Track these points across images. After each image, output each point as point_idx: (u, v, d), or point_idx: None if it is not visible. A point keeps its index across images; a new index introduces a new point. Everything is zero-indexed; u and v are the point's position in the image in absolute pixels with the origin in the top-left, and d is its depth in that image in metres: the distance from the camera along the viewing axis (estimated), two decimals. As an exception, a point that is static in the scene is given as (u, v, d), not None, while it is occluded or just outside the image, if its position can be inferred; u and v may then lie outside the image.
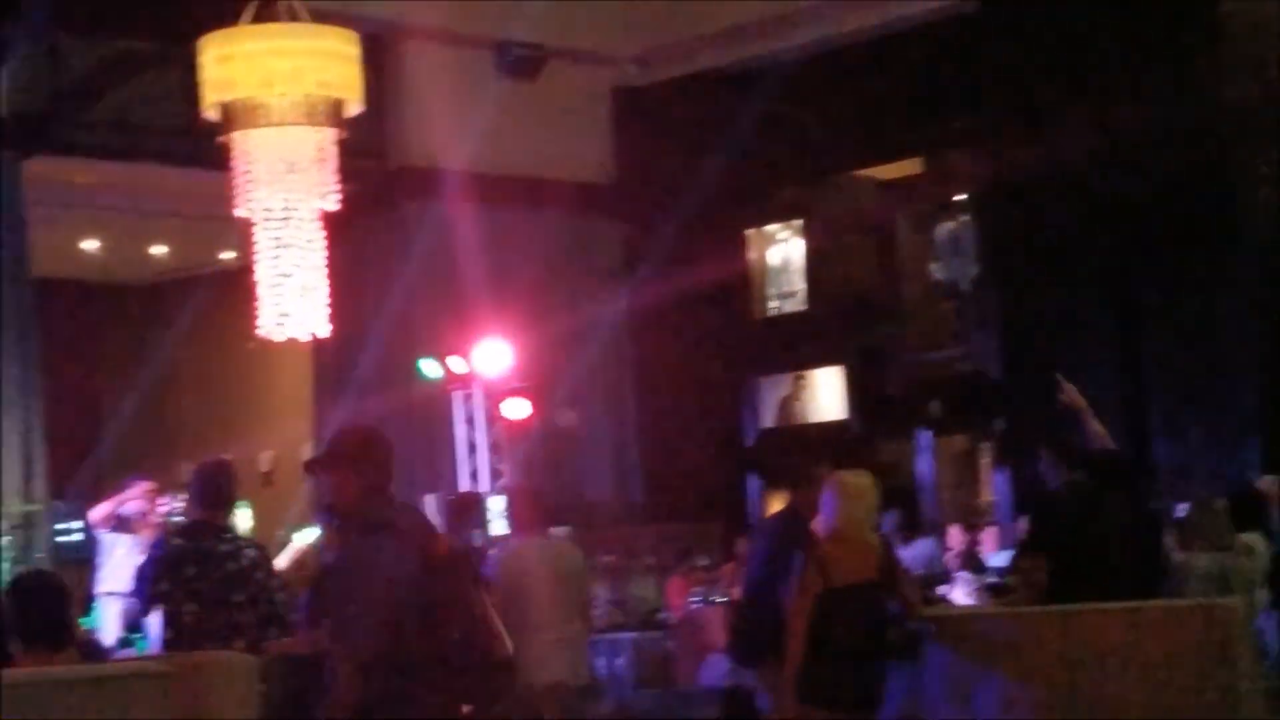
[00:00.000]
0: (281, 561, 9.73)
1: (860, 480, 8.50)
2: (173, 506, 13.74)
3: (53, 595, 5.71)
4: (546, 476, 16.11)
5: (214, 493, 8.40)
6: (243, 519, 12.20)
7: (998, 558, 14.09)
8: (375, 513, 6.04)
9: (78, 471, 15.89)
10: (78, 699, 4.47)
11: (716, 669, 12.96)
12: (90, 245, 18.83)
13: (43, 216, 15.84)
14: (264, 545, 9.07)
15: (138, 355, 20.49)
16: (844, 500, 8.35)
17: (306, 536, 11.95)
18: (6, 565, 13.50)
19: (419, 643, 5.78)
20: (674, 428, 17.47)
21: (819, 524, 8.54)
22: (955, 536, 15.20)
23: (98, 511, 13.74)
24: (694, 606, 14.48)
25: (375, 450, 6.22)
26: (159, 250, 19.37)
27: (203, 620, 8.01)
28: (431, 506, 15.26)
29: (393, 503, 6.23)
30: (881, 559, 8.33)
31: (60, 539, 15.52)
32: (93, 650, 6.51)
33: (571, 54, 17.48)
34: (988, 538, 15.30)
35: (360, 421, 7.61)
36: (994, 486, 16.64)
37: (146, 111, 15.20)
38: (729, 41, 17.41)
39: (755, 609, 9.01)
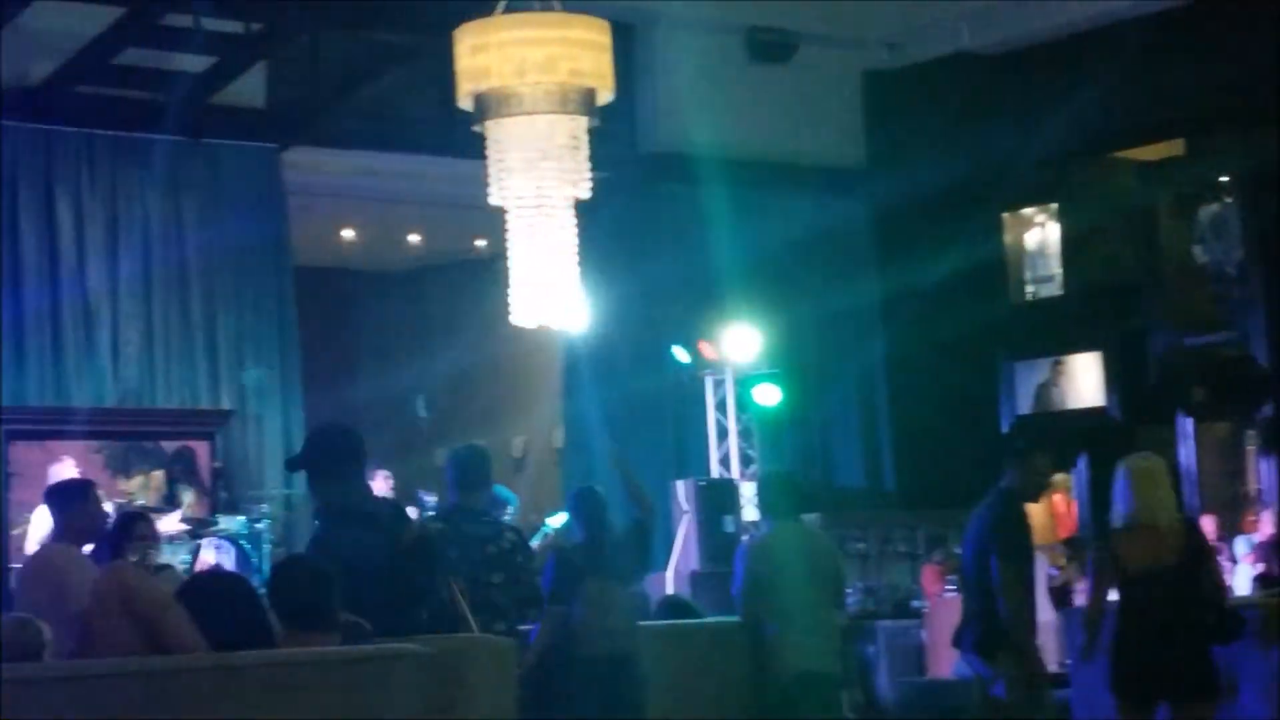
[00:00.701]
0: (535, 544, 9.84)
1: (1148, 464, 8.32)
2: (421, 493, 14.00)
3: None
4: (797, 462, 16.06)
5: (471, 477, 8.50)
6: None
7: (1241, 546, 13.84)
8: (354, 505, 6.72)
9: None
10: (341, 679, 4.53)
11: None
12: (348, 234, 19.17)
13: (301, 206, 16.19)
14: (522, 528, 9.17)
15: (395, 341, 20.83)
16: (1136, 486, 8.17)
17: (558, 521, 12.05)
18: (267, 549, 13.81)
19: (390, 624, 5.95)
20: (927, 413, 17.24)
21: (1114, 514, 8.36)
22: (1207, 526, 14.84)
23: None
24: (948, 595, 14.31)
25: (348, 448, 6.96)
26: (414, 238, 19.66)
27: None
28: (682, 492, 15.32)
29: (369, 495, 7.19)
30: (1186, 540, 8.14)
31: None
32: (357, 633, 6.58)
33: (822, 38, 17.36)
34: (1263, 525, 14.95)
35: (334, 422, 8.26)
36: (1259, 474, 16.22)
37: (402, 102, 15.45)
38: (982, 23, 17.16)
39: (974, 597, 8.86)
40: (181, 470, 14.14)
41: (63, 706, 3.96)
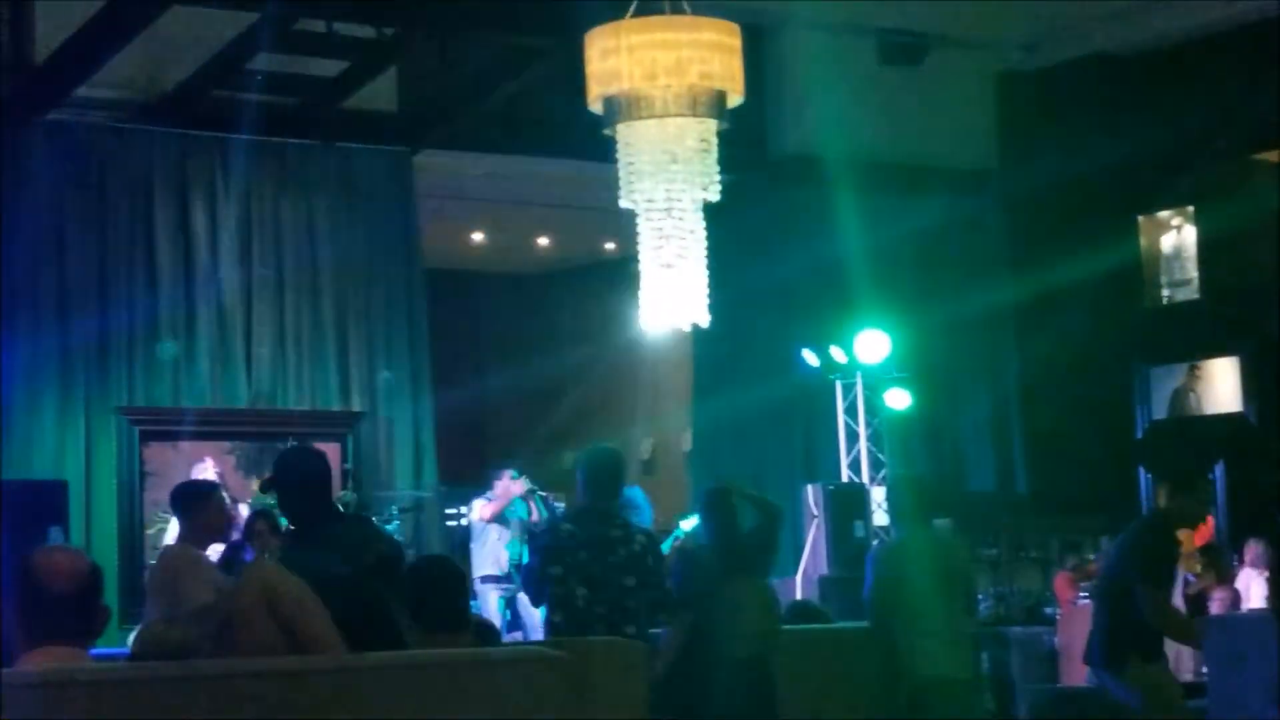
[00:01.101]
0: (667, 547, 9.81)
1: None
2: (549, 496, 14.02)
3: (451, 581, 5.81)
4: (928, 467, 15.94)
5: (602, 480, 8.49)
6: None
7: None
8: (319, 526, 6.94)
9: (465, 457, 16.25)
10: (473, 680, 4.53)
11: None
12: (477, 236, 19.26)
13: (432, 209, 16.28)
14: (653, 531, 9.15)
15: (523, 344, 20.90)
16: None
17: (690, 524, 12.00)
18: (399, 549, 13.87)
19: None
20: (1060, 417, 17.05)
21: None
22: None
23: (484, 510, 14.08)
24: (1081, 602, 14.14)
25: (314, 471, 7.19)
26: (543, 241, 19.71)
27: (593, 605, 8.09)
28: (811, 497, 15.24)
29: (336, 516, 7.46)
30: None
31: (449, 524, 15.95)
32: (487, 633, 6.61)
33: (954, 40, 17.23)
34: None
35: (303, 446, 8.55)
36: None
37: (532, 105, 15.48)
38: (1117, 24, 16.95)
39: (1106, 612, 8.77)
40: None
41: (200, 706, 3.99)
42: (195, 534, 8.64)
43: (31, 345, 13.86)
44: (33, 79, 13.78)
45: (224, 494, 8.95)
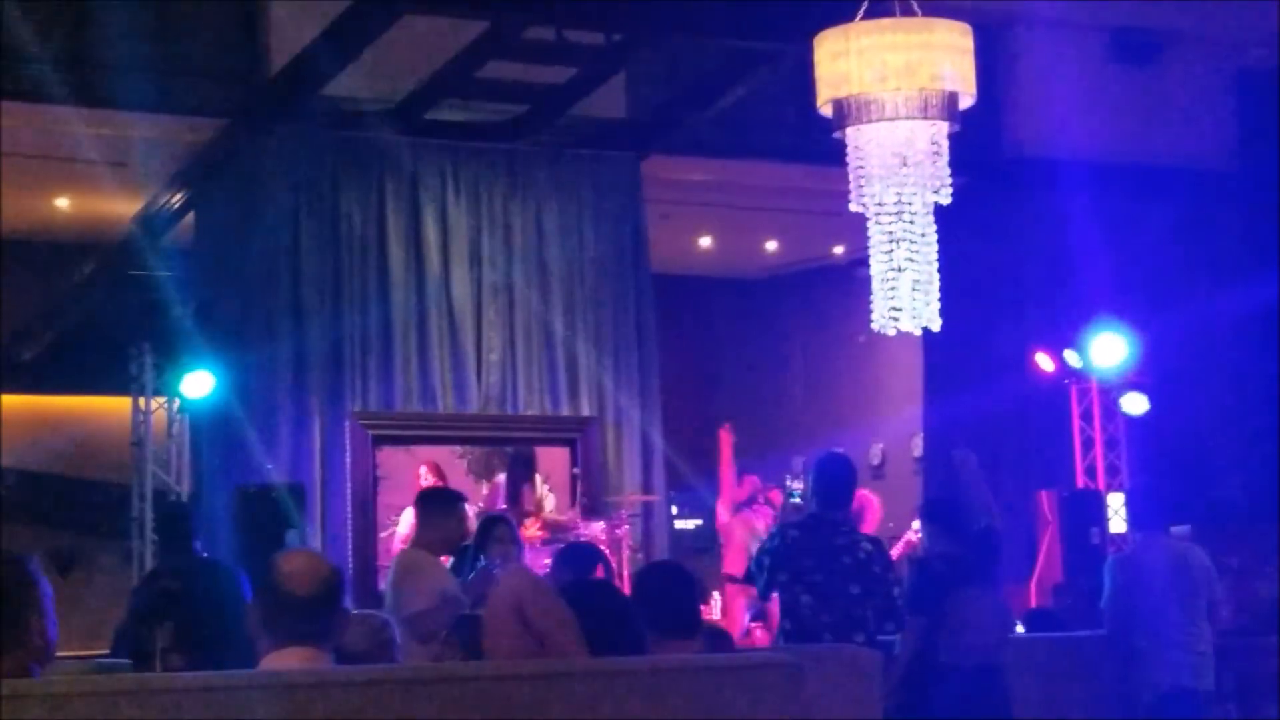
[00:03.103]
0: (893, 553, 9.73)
1: None
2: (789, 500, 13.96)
3: (682, 587, 5.81)
4: (1167, 473, 15.60)
5: (831, 486, 8.44)
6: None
7: None
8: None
9: (694, 462, 16.26)
10: (708, 685, 4.53)
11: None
12: (705, 241, 19.27)
13: (660, 214, 16.31)
14: (881, 539, 9.07)
15: (751, 349, 20.86)
16: None
17: (919, 532, 11.88)
18: (627, 554, 13.93)
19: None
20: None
21: None
22: None
23: (724, 514, 14.08)
24: (1325, 611, 13.76)
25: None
26: (771, 245, 19.66)
27: (820, 612, 8.05)
28: (1045, 503, 15.02)
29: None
30: None
31: (678, 527, 15.97)
32: (718, 638, 6.60)
33: (1192, 38, 16.86)
34: None
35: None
36: None
37: (761, 109, 15.44)
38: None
39: None
40: (522, 473, 14.30)
41: (442, 707, 4.02)
42: (427, 539, 8.73)
43: (268, 350, 14.14)
44: (267, 90, 14.06)
45: (466, 505, 9.01)
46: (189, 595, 8.85)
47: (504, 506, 14.10)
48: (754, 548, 13.39)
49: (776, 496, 14.29)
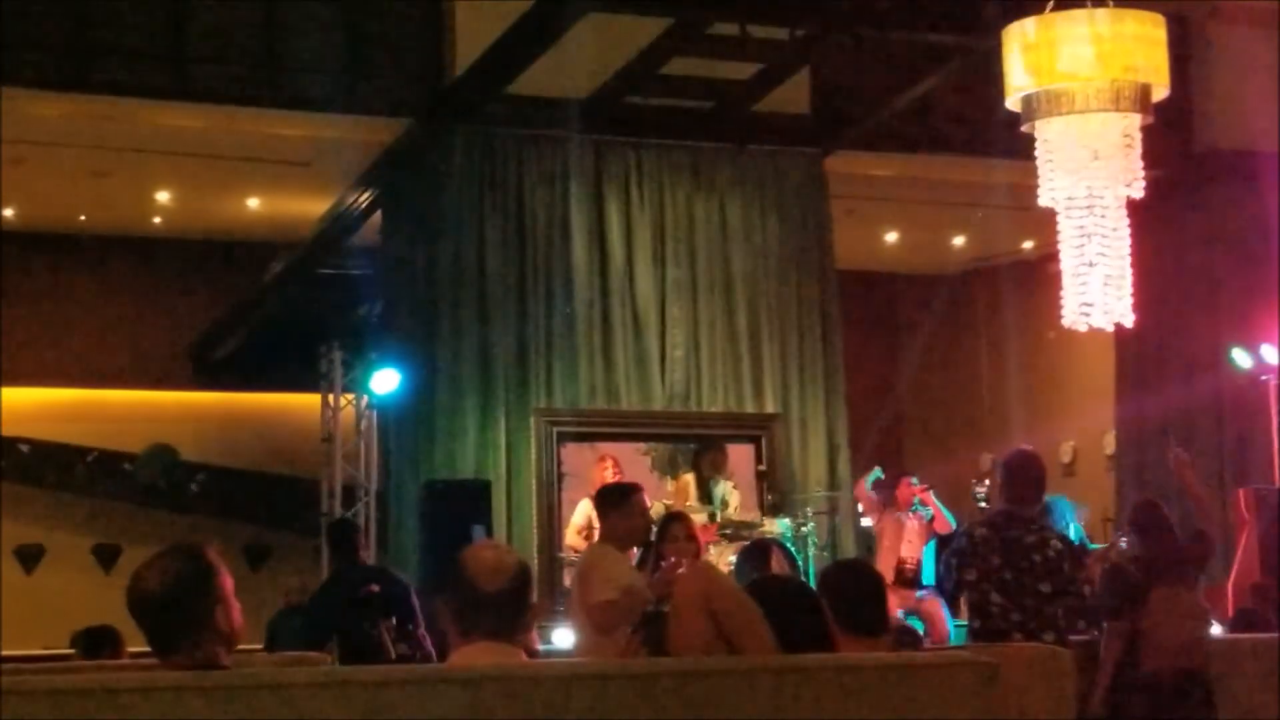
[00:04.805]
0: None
1: None
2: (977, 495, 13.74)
3: (870, 585, 5.74)
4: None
5: (1021, 484, 8.32)
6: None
7: None
8: None
9: (879, 458, 16.12)
10: (899, 684, 4.46)
11: None
12: (891, 237, 19.11)
13: (845, 210, 16.20)
14: (1069, 538, 8.92)
15: (939, 345, 20.67)
16: None
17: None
18: (812, 551, 13.84)
19: None
20: None
21: None
22: None
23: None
24: None
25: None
26: (959, 240, 19.45)
27: (1009, 611, 7.95)
28: (1244, 501, 14.70)
29: None
30: None
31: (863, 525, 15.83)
32: (907, 637, 6.53)
33: (1390, 24, 16.44)
34: None
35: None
36: None
37: (947, 103, 15.29)
38: None
39: None
40: (709, 468, 14.22)
41: (620, 702, 4.00)
42: (609, 534, 8.74)
43: (454, 348, 14.25)
44: (452, 89, 14.16)
45: (644, 496, 8.99)
46: (392, 597, 9.58)
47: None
48: (904, 550, 13.29)
49: (921, 496, 13.97)
